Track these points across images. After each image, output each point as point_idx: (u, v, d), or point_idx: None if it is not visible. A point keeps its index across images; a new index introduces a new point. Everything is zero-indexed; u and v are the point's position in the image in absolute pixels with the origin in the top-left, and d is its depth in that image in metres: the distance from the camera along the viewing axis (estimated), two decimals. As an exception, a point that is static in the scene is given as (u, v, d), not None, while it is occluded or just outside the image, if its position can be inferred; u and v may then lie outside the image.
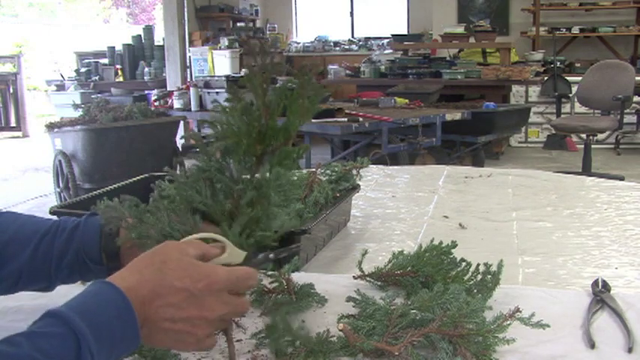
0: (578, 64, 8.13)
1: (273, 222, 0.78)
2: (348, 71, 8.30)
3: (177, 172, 0.79)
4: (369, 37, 10.37)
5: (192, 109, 5.99)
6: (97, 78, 8.96)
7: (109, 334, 0.62)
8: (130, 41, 9.31)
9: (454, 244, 1.09)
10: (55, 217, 0.99)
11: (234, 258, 0.72)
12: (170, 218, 0.76)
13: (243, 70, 7.86)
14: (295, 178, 0.77)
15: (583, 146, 5.79)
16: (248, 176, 0.76)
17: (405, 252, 1.13)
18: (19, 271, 0.88)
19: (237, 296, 0.71)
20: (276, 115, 0.74)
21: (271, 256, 0.76)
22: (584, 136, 5.80)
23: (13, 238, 0.88)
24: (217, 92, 5.78)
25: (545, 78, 7.45)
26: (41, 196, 5.63)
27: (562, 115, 6.22)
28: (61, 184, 4.95)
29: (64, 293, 1.08)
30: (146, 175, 1.63)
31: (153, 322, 0.66)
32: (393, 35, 8.80)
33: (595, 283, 1.06)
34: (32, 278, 0.89)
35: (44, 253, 0.88)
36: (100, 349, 0.60)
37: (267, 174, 0.75)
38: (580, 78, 6.33)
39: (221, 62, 8.11)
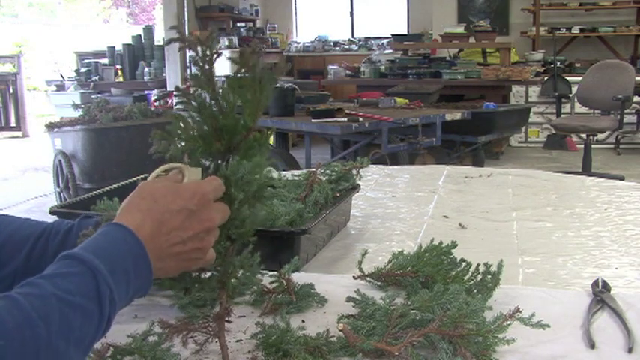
0: (578, 64, 8.12)
1: (246, 218, 0.78)
2: (348, 71, 8.30)
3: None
4: (369, 37, 10.37)
5: (192, 109, 5.99)
6: (97, 78, 8.95)
7: (123, 269, 0.65)
8: (130, 41, 9.30)
9: (454, 244, 1.09)
10: (54, 218, 0.99)
11: (194, 176, 0.75)
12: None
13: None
14: (256, 165, 0.76)
15: (583, 146, 5.79)
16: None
17: (405, 252, 1.13)
18: (13, 274, 0.88)
19: (221, 205, 0.74)
20: (231, 109, 0.75)
21: (219, 161, 0.77)
22: (584, 136, 5.80)
23: (7, 242, 0.88)
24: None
25: (545, 78, 7.45)
26: (41, 196, 5.63)
27: (562, 115, 6.22)
28: (61, 184, 4.95)
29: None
30: (146, 175, 1.63)
31: (165, 251, 0.69)
32: (393, 35, 8.79)
33: (595, 283, 1.06)
34: None
35: (38, 256, 0.88)
36: (117, 283, 0.63)
37: (226, 168, 0.75)
38: (580, 78, 6.33)
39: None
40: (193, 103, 0.74)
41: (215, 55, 0.74)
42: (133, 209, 0.70)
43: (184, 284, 0.79)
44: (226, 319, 0.82)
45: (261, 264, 0.86)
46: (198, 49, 0.73)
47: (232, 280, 0.81)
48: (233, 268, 0.80)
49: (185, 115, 0.75)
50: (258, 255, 0.84)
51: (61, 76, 9.78)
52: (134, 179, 1.59)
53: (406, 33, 9.60)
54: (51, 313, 0.57)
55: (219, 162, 0.76)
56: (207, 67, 0.74)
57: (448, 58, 7.99)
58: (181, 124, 0.74)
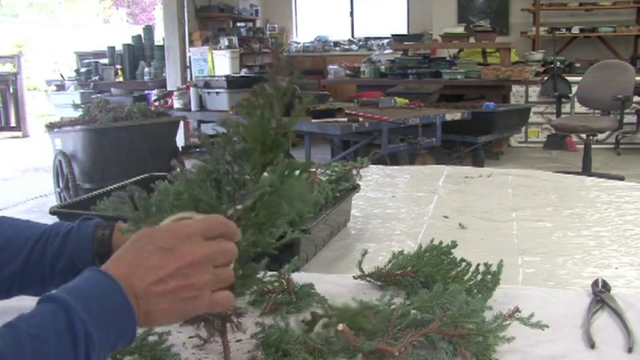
0: (578, 64, 8.12)
1: (276, 229, 0.78)
2: (348, 71, 8.30)
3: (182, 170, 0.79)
4: (369, 37, 10.37)
5: (192, 109, 5.99)
6: (97, 78, 8.95)
7: (98, 305, 0.63)
8: (130, 41, 9.30)
9: (454, 244, 1.09)
10: (54, 218, 0.99)
11: None
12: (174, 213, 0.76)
13: (244, 70, 7.87)
14: (307, 189, 0.77)
15: (583, 146, 5.78)
16: (251, 182, 0.76)
17: (405, 252, 1.13)
18: (12, 277, 0.88)
19: (214, 240, 0.70)
20: (289, 127, 0.75)
21: (238, 207, 0.74)
22: (584, 136, 5.80)
23: (7, 244, 0.88)
24: (217, 92, 5.78)
25: (545, 78, 7.44)
26: (41, 196, 5.63)
27: (562, 115, 6.22)
28: (61, 184, 4.95)
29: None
30: (146, 175, 1.63)
31: (145, 290, 0.66)
32: (393, 35, 8.79)
33: (595, 283, 1.06)
34: (26, 284, 0.89)
35: (37, 259, 0.88)
36: (92, 319, 0.61)
37: (279, 180, 0.75)
38: (580, 78, 6.32)
39: (221, 62, 8.11)
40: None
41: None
42: (112, 257, 0.69)
43: None
44: (232, 319, 0.82)
45: (265, 267, 0.86)
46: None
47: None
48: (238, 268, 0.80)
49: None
50: (265, 261, 0.84)
51: (61, 76, 9.77)
52: (134, 179, 1.59)
53: (406, 33, 9.60)
54: (22, 348, 0.57)
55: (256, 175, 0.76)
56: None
57: (448, 58, 7.99)
58: (247, 123, 0.74)
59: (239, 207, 0.75)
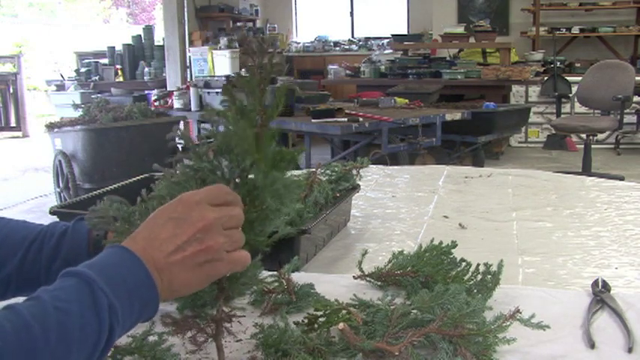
0: (578, 64, 8.12)
1: (267, 226, 0.77)
2: (348, 71, 8.30)
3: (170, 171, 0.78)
4: (369, 37, 10.37)
5: (192, 109, 5.99)
6: (97, 78, 8.95)
7: (120, 279, 0.65)
8: (130, 41, 9.30)
9: (454, 244, 1.09)
10: (54, 218, 0.99)
11: None
12: None
13: (244, 70, 7.86)
14: (293, 181, 0.75)
15: (583, 146, 5.79)
16: (238, 179, 0.75)
17: (405, 252, 1.13)
18: (8, 278, 0.88)
19: (219, 206, 0.71)
20: (273, 117, 0.74)
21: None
22: (584, 136, 5.80)
23: (2, 245, 0.88)
24: (217, 92, 5.77)
25: (545, 78, 7.44)
26: (41, 196, 5.63)
27: (562, 115, 6.22)
28: (61, 184, 4.95)
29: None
30: (146, 175, 1.63)
31: (164, 260, 0.68)
32: (393, 35, 8.79)
33: (595, 283, 1.06)
34: (22, 285, 0.89)
35: (33, 259, 0.88)
36: (114, 292, 0.63)
37: (261, 177, 0.74)
38: (580, 78, 6.32)
39: (221, 62, 8.11)
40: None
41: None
42: (128, 238, 0.71)
43: None
44: (225, 321, 0.82)
45: (261, 266, 0.86)
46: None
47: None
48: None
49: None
50: (259, 259, 0.84)
51: (61, 76, 9.77)
52: (134, 179, 1.59)
53: (406, 33, 9.60)
54: (47, 318, 0.58)
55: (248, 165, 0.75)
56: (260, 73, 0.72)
57: (448, 58, 7.99)
58: (225, 123, 0.73)
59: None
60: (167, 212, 0.70)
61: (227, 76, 6.28)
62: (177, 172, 0.76)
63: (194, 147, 0.75)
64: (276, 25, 10.74)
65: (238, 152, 0.73)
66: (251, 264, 0.78)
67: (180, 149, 0.78)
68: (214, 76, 7.02)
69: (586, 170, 5.53)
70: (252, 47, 0.73)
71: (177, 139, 0.76)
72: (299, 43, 10.54)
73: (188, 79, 7.89)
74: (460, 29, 7.83)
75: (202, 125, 5.92)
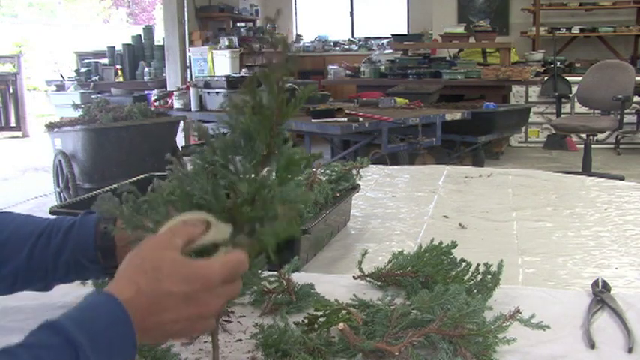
0: (578, 64, 8.12)
1: (275, 225, 0.77)
2: (348, 71, 8.30)
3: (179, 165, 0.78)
4: (369, 37, 10.37)
5: (192, 109, 5.99)
6: (97, 78, 8.96)
7: (106, 345, 0.61)
8: (130, 41, 9.30)
9: (454, 244, 1.09)
10: (54, 217, 0.99)
11: (220, 234, 0.70)
12: (168, 210, 0.75)
13: (244, 70, 7.87)
14: (304, 192, 0.74)
15: (583, 146, 5.78)
16: (250, 175, 0.75)
17: (405, 252, 1.13)
18: (15, 272, 0.88)
19: (231, 283, 0.70)
20: (288, 115, 0.73)
21: (257, 226, 0.72)
22: (584, 136, 5.80)
23: (9, 239, 0.88)
24: (217, 92, 5.77)
25: (545, 78, 7.44)
26: (41, 196, 5.63)
27: (562, 115, 6.22)
28: (61, 184, 4.95)
29: (65, 292, 1.08)
30: (146, 175, 1.63)
31: (153, 329, 0.66)
32: (393, 35, 8.79)
33: (595, 283, 1.06)
34: (29, 279, 0.89)
35: (40, 253, 0.88)
36: (98, 358, 0.60)
37: (272, 178, 0.73)
38: (580, 78, 6.32)
39: (221, 62, 8.11)
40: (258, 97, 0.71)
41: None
42: (131, 281, 0.66)
43: None
44: (224, 319, 0.82)
45: (264, 266, 0.86)
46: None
47: None
48: None
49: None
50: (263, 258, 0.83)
51: (61, 76, 9.78)
52: (134, 179, 1.59)
53: (406, 33, 9.60)
54: None
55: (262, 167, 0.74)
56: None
57: (448, 58, 7.99)
58: (242, 118, 0.72)
59: (257, 226, 0.72)
60: (185, 284, 0.66)
61: (227, 76, 6.27)
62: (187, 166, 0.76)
63: (208, 138, 0.74)
64: (276, 25, 10.74)
65: (253, 147, 0.72)
66: (254, 262, 0.78)
67: (181, 149, 0.78)
68: (214, 76, 7.01)
69: (586, 170, 5.53)
70: (275, 43, 0.72)
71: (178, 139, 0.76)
72: (299, 43, 10.54)
73: (188, 79, 7.89)
74: (460, 29, 7.83)
75: (212, 126, 5.90)
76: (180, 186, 0.74)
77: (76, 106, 5.32)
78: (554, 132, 6.70)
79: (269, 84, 0.71)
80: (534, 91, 7.70)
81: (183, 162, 0.77)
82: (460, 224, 1.60)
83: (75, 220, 0.91)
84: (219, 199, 0.74)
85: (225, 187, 0.74)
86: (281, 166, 0.73)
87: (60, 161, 4.90)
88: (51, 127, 4.94)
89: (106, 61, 9.28)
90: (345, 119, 4.58)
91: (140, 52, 9.13)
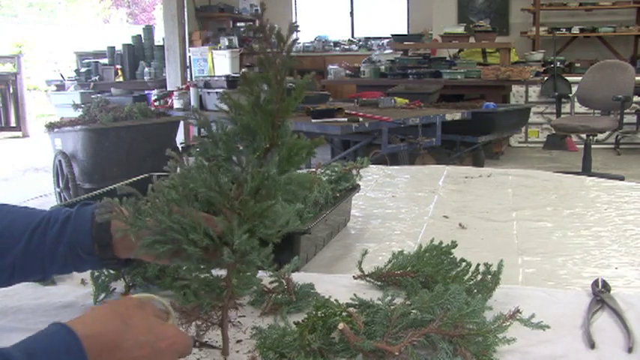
0: (578, 64, 8.13)
1: (277, 219, 0.76)
2: (348, 71, 8.30)
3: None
4: (369, 37, 10.37)
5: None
6: (97, 78, 8.96)
7: None
8: (130, 41, 9.30)
9: (454, 244, 1.09)
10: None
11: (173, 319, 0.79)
12: (170, 208, 0.75)
13: (244, 70, 7.87)
14: (305, 177, 0.75)
15: (583, 146, 5.79)
16: (252, 168, 0.74)
17: (405, 252, 1.13)
18: (13, 264, 0.88)
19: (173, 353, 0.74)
20: (291, 108, 0.73)
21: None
22: (584, 136, 5.80)
23: (5, 232, 0.88)
24: (217, 92, 5.77)
25: (545, 78, 7.45)
26: (41, 196, 5.63)
27: (562, 115, 6.22)
28: (61, 184, 4.95)
29: (65, 292, 1.08)
30: (146, 175, 1.63)
31: None
32: (393, 35, 8.79)
33: (595, 283, 1.06)
34: (26, 270, 0.89)
35: (37, 245, 0.88)
36: None
37: (274, 170, 0.73)
38: (580, 78, 6.32)
39: (221, 62, 8.11)
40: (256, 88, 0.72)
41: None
42: (98, 320, 0.67)
43: (186, 283, 0.78)
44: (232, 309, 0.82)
45: (274, 263, 0.85)
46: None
47: (234, 280, 0.81)
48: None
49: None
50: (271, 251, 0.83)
51: (61, 76, 9.78)
52: (134, 179, 1.59)
53: (406, 33, 9.60)
54: None
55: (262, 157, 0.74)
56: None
57: (448, 58, 7.99)
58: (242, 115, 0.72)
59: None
60: (154, 338, 0.69)
61: (227, 76, 6.27)
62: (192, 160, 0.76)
63: (210, 130, 0.74)
64: (276, 25, 10.73)
65: (255, 140, 0.72)
66: (259, 256, 0.78)
67: (181, 150, 0.78)
68: (214, 76, 7.01)
69: (586, 170, 5.53)
70: (270, 35, 0.72)
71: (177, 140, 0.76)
72: (299, 43, 10.54)
73: (188, 79, 7.90)
74: (460, 29, 7.83)
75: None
76: (182, 183, 0.74)
77: (76, 106, 5.32)
78: (554, 132, 6.70)
79: (268, 76, 0.71)
80: (534, 91, 7.70)
81: (184, 158, 0.77)
82: (460, 224, 1.60)
83: (71, 212, 0.91)
84: (223, 193, 0.74)
85: (228, 181, 0.74)
86: (283, 156, 0.73)
87: (60, 161, 4.90)
88: (51, 127, 4.94)
89: (105, 61, 9.28)
90: (345, 119, 4.58)
91: (140, 52, 9.13)
